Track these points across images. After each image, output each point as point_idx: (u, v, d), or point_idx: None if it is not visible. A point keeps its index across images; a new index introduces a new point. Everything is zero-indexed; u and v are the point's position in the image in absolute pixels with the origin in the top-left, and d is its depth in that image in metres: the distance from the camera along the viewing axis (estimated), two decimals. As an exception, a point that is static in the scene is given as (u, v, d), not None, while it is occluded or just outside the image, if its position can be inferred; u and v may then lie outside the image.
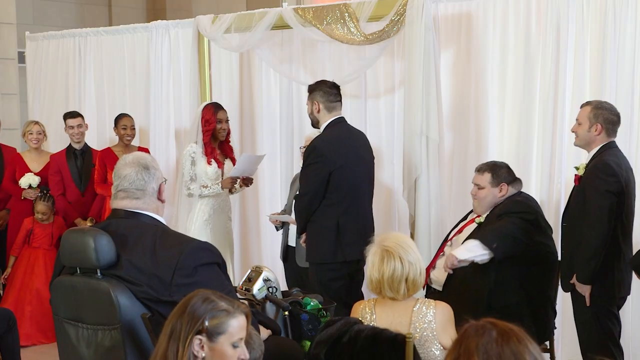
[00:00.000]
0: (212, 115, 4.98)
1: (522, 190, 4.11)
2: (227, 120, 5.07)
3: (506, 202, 3.97)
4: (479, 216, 4.08)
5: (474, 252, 3.76)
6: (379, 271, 2.92)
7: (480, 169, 4.11)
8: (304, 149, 4.94)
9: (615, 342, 3.80)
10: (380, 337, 2.64)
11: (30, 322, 5.50)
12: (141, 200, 2.73)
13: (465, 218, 4.28)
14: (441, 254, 4.17)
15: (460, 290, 3.90)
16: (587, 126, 3.82)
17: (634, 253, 3.83)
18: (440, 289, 4.04)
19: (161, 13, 9.99)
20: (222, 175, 5.00)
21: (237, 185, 5.11)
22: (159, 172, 2.79)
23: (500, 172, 4.05)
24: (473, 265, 3.85)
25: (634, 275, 3.86)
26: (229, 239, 5.20)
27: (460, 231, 4.16)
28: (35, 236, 5.69)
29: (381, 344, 2.62)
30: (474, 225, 4.07)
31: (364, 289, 4.63)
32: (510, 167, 4.13)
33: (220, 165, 5.03)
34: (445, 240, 4.23)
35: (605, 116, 3.81)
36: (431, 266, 4.09)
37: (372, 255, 2.98)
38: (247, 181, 5.05)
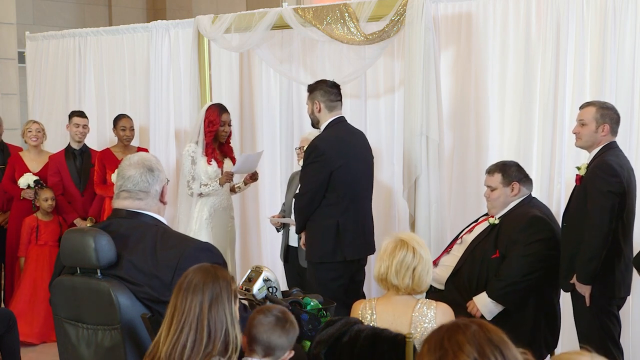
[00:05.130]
0: (217, 116, 4.99)
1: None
2: (229, 124, 5.08)
3: (520, 221, 3.89)
4: (492, 216, 4.07)
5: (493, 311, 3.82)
6: (390, 257, 2.92)
7: (490, 171, 4.11)
8: (300, 149, 4.95)
9: (615, 343, 3.80)
10: (380, 337, 2.63)
11: (44, 320, 5.51)
12: (143, 201, 2.73)
13: (477, 220, 4.28)
14: (447, 252, 4.18)
15: (466, 288, 3.92)
16: (593, 127, 3.81)
17: (634, 253, 3.84)
18: (441, 287, 4.04)
19: (161, 13, 10.00)
20: (222, 174, 5.02)
21: (241, 184, 5.15)
22: (162, 174, 2.79)
23: (510, 171, 4.05)
24: (480, 265, 3.89)
25: (634, 275, 3.86)
26: (231, 238, 5.21)
27: (470, 230, 4.16)
28: (41, 233, 5.71)
29: (381, 344, 2.62)
30: (485, 224, 4.06)
31: (364, 289, 4.64)
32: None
33: (220, 164, 5.04)
34: (456, 239, 4.23)
35: (611, 116, 3.81)
36: (435, 263, 4.09)
37: (385, 244, 2.98)
38: (253, 176, 5.08)
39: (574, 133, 3.94)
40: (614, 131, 3.83)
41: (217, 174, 4.99)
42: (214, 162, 4.99)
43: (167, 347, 2.18)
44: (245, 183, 5.17)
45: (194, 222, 4.99)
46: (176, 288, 2.25)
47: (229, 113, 5.09)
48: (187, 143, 5.17)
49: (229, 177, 4.93)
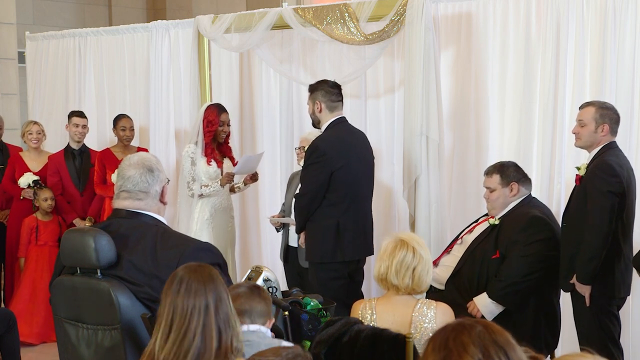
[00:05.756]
0: (216, 116, 4.99)
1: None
2: (228, 124, 5.08)
3: (520, 221, 3.89)
4: (492, 217, 4.07)
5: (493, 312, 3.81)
6: (390, 257, 2.92)
7: (489, 172, 4.11)
8: (299, 149, 4.95)
9: (615, 342, 3.80)
10: (381, 337, 2.63)
11: (44, 320, 5.51)
12: (143, 201, 2.73)
13: (477, 220, 4.28)
14: (447, 252, 4.18)
15: (466, 288, 3.92)
16: (593, 127, 3.81)
17: (634, 253, 3.84)
18: (441, 287, 4.04)
19: (161, 13, 10.00)
20: (222, 175, 5.02)
21: (241, 184, 5.15)
22: (162, 175, 2.79)
23: (508, 171, 4.05)
24: (480, 265, 3.89)
25: (634, 275, 3.86)
26: (231, 238, 5.21)
27: (471, 231, 4.17)
28: (41, 233, 5.71)
29: (381, 344, 2.62)
30: (485, 225, 4.07)
31: (363, 289, 4.64)
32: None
33: (220, 164, 5.04)
34: (456, 239, 4.23)
35: (610, 116, 3.81)
36: (435, 263, 4.09)
37: (385, 244, 2.98)
38: (253, 177, 5.08)
39: (574, 133, 3.94)
40: (613, 131, 3.83)
41: (217, 174, 4.99)
42: (213, 163, 4.99)
43: (167, 353, 2.12)
44: (245, 183, 5.17)
45: (195, 222, 4.98)
46: (170, 291, 2.18)
47: (227, 113, 5.09)
48: (187, 143, 5.17)
49: (229, 178, 4.93)
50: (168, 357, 2.13)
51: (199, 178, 4.97)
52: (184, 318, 2.14)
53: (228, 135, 5.14)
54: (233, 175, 4.95)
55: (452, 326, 1.53)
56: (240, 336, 2.22)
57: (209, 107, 5.06)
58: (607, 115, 3.80)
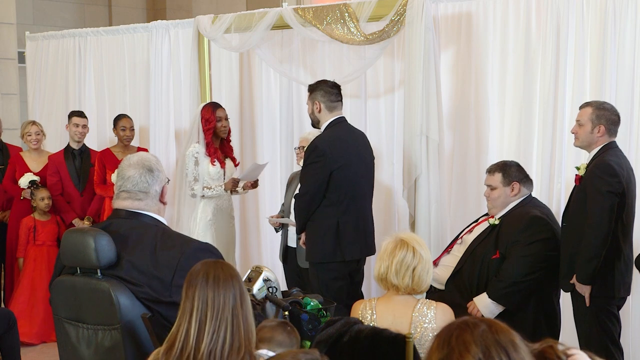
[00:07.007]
0: (212, 114, 4.99)
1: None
2: (226, 118, 5.09)
3: (520, 221, 3.89)
4: (492, 216, 4.08)
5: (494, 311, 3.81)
6: (390, 257, 2.92)
7: (491, 170, 4.12)
8: (299, 149, 4.95)
9: (615, 342, 3.80)
10: (381, 337, 2.63)
11: (43, 320, 5.51)
12: (143, 202, 2.73)
13: (477, 220, 4.28)
14: (447, 251, 4.18)
15: (466, 288, 3.92)
16: (589, 127, 3.81)
17: (634, 253, 3.84)
18: (442, 287, 4.04)
19: (161, 13, 10.01)
20: (224, 175, 5.02)
21: (240, 189, 5.15)
22: (162, 175, 2.80)
23: (510, 171, 4.05)
24: (481, 265, 3.89)
25: (634, 275, 3.86)
26: (232, 238, 5.21)
27: (470, 230, 4.17)
28: (39, 233, 5.70)
29: (381, 344, 2.62)
30: (485, 225, 4.07)
31: (363, 289, 4.63)
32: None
33: (223, 165, 5.04)
34: (456, 239, 4.24)
35: (607, 117, 3.81)
36: (435, 263, 4.09)
37: (385, 244, 2.98)
38: (254, 184, 5.10)
39: (572, 133, 3.95)
40: (611, 132, 3.83)
41: (219, 175, 4.99)
42: (217, 163, 5.00)
43: (207, 343, 2.12)
44: (245, 189, 5.16)
45: (197, 223, 4.98)
46: (197, 283, 2.17)
47: (223, 108, 5.10)
48: (186, 144, 5.16)
49: (235, 183, 4.95)
50: (209, 347, 2.13)
51: (202, 178, 4.97)
52: (217, 308, 2.15)
53: (229, 133, 5.15)
54: (238, 182, 4.97)
55: (457, 324, 1.53)
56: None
57: (204, 106, 5.08)
58: (604, 117, 3.81)
